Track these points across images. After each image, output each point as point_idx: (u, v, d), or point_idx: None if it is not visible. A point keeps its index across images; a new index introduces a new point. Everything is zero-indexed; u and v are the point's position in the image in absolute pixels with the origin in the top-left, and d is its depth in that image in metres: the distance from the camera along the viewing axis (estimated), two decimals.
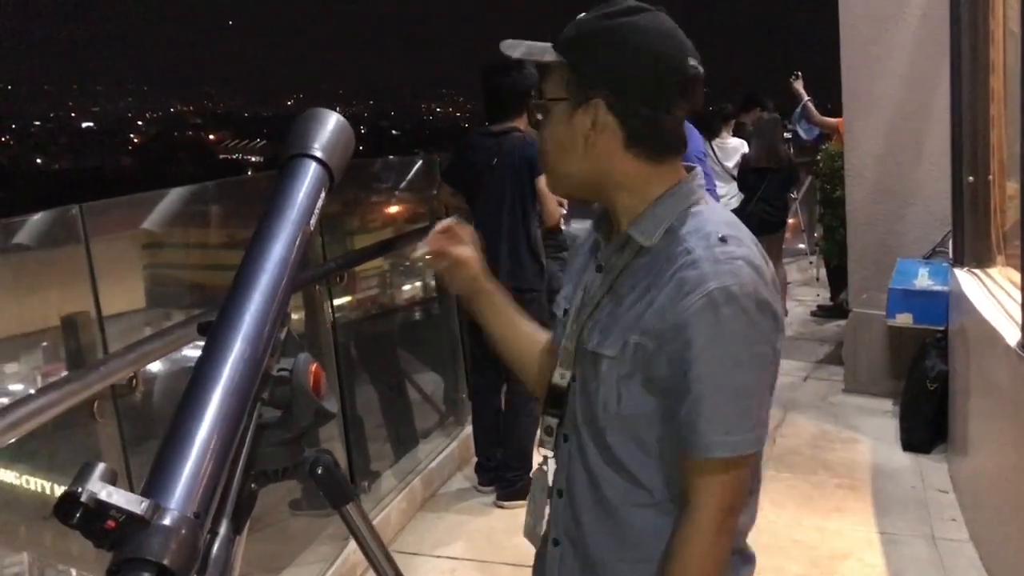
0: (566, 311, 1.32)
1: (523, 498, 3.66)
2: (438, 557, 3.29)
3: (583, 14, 1.23)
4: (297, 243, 1.15)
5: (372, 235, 4.59)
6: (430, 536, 3.44)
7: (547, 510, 1.36)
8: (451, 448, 4.07)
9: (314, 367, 1.19)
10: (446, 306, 4.41)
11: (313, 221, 1.20)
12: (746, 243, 1.18)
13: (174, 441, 0.91)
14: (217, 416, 0.94)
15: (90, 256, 2.15)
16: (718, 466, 1.15)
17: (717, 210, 1.25)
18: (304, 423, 1.18)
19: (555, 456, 1.32)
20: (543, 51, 1.22)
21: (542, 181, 3.49)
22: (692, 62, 1.20)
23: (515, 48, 1.23)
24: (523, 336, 1.48)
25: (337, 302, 3.57)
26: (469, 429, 3.97)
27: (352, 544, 3.03)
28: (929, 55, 4.57)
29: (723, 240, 1.16)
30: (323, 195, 1.23)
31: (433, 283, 4.60)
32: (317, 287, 3.13)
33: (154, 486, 0.86)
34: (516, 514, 3.63)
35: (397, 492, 3.58)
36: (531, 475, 1.40)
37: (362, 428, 3.72)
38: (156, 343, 2.17)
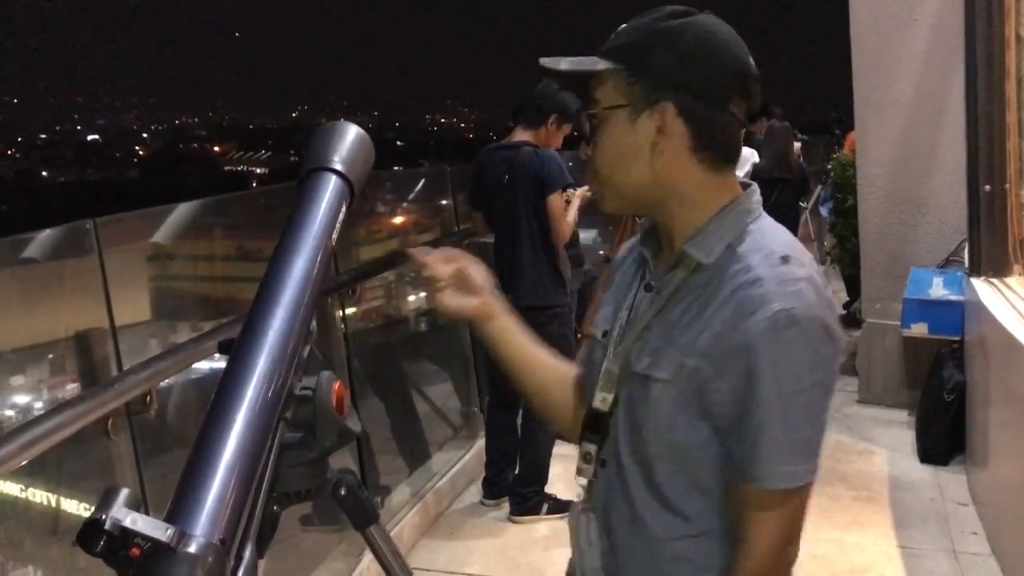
0: (606, 333, 1.26)
1: (537, 513, 3.65)
2: (452, 574, 3.25)
3: (631, 21, 1.18)
4: (319, 258, 1.12)
5: (379, 246, 4.56)
6: (444, 553, 3.40)
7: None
8: (464, 462, 4.03)
9: (337, 385, 1.15)
10: (459, 327, 4.39)
11: (334, 236, 1.17)
12: (807, 264, 1.13)
13: (198, 465, 0.88)
14: (242, 438, 0.91)
15: (104, 269, 2.12)
16: (777, 498, 1.10)
17: (776, 229, 1.19)
18: (327, 443, 1.15)
19: (591, 484, 1.26)
20: (592, 62, 1.17)
21: (554, 199, 3.47)
22: (751, 61, 1.17)
23: (558, 63, 1.18)
24: (540, 365, 1.38)
25: (348, 313, 3.55)
26: (482, 443, 3.93)
27: (365, 560, 3.04)
28: (941, 63, 4.54)
29: (785, 260, 1.11)
30: (344, 209, 1.20)
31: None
32: (329, 300, 3.11)
33: (179, 512, 0.83)
34: (530, 529, 3.60)
35: (410, 507, 3.54)
36: (569, 513, 1.32)
37: (373, 442, 3.69)
38: (171, 359, 2.14)
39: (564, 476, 3.85)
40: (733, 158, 1.19)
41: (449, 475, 3.89)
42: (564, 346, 3.57)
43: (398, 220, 4.90)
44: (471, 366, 4.36)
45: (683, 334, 1.13)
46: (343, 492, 1.20)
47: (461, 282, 1.31)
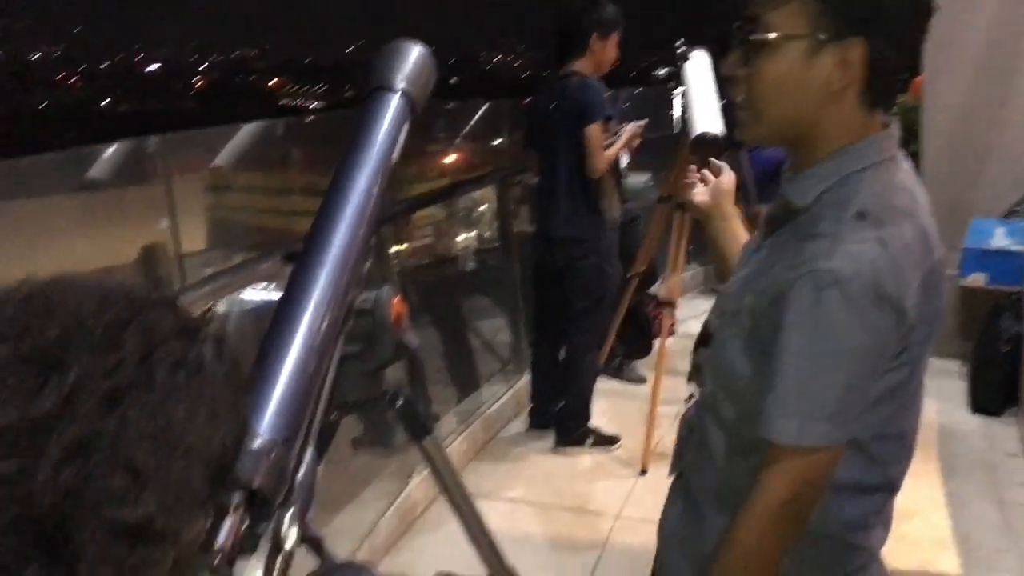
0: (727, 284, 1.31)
1: (581, 444, 3.70)
2: (497, 500, 3.32)
3: None
4: (381, 175, 1.14)
5: (430, 183, 4.57)
6: (489, 479, 3.48)
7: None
8: (511, 394, 4.09)
9: (396, 300, 1.18)
10: (507, 256, 4.41)
11: (396, 154, 1.19)
12: (897, 224, 1.06)
13: (264, 366, 0.91)
14: (305, 343, 0.95)
15: (170, 190, 2.17)
16: (782, 452, 1.07)
17: (883, 181, 1.11)
18: (385, 356, 1.18)
19: (696, 397, 1.32)
20: None
21: (591, 130, 3.43)
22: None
23: None
24: None
25: (400, 248, 3.59)
26: (528, 375, 3.98)
27: (414, 482, 3.12)
28: (1016, 15, 4.41)
29: (860, 216, 1.05)
30: (406, 127, 1.22)
31: (490, 234, 4.59)
32: (381, 231, 3.14)
33: None
34: (574, 460, 3.66)
35: (458, 434, 3.62)
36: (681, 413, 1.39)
37: (424, 371, 3.75)
38: (231, 277, 2.19)
39: (609, 412, 3.90)
40: (890, 102, 1.16)
41: (496, 405, 3.96)
42: (599, 281, 3.57)
43: (450, 156, 4.90)
44: (519, 301, 4.40)
45: (755, 272, 1.15)
46: (400, 404, 1.23)
47: (708, 183, 1.46)
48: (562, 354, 3.77)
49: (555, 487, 3.45)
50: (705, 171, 1.49)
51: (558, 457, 3.70)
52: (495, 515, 3.39)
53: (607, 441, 3.72)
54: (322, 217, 1.07)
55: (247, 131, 3.03)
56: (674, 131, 3.94)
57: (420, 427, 1.25)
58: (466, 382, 4.10)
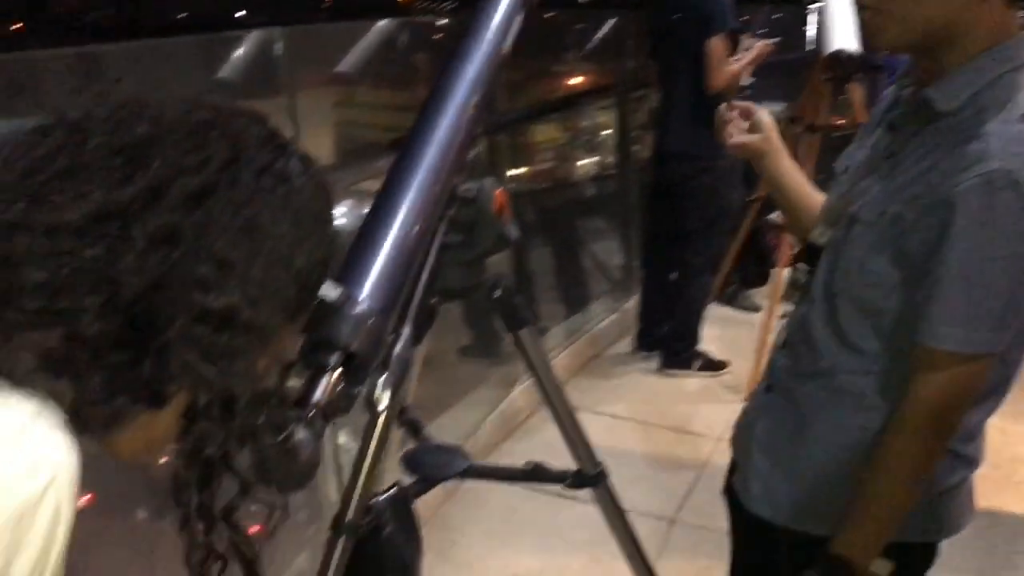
0: (847, 168, 1.27)
1: (688, 368, 3.68)
2: (598, 414, 3.36)
3: None
4: (492, 63, 1.15)
5: (546, 93, 4.48)
6: (591, 394, 3.51)
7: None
8: (619, 314, 4.09)
9: (499, 192, 1.19)
10: (625, 177, 4.36)
11: (508, 43, 1.19)
12: None
13: (366, 239, 0.94)
14: (407, 221, 0.97)
15: (292, 84, 2.22)
16: (942, 359, 1.07)
17: None
18: (486, 246, 1.19)
19: (793, 311, 1.31)
20: None
21: (713, 42, 3.29)
22: None
23: None
24: (809, 204, 1.40)
25: (519, 171, 3.59)
26: (638, 296, 3.96)
27: (517, 390, 3.18)
28: None
29: None
30: (519, 19, 1.21)
31: (611, 159, 4.53)
32: (496, 139, 3.15)
33: (346, 277, 0.90)
34: (679, 383, 3.65)
35: (562, 348, 3.66)
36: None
37: (533, 286, 3.78)
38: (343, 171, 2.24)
39: (720, 338, 3.85)
40: None
41: (604, 323, 3.98)
42: (713, 202, 3.47)
43: (574, 77, 4.80)
44: (632, 221, 4.35)
45: (899, 179, 1.12)
46: (499, 294, 1.25)
47: (748, 121, 1.39)
48: (673, 276, 3.73)
49: (658, 407, 3.45)
50: (743, 109, 1.41)
51: (663, 378, 3.69)
52: (594, 429, 3.36)
53: (715, 366, 3.69)
54: (430, 102, 1.09)
55: (374, 40, 3.05)
56: (809, 49, 3.77)
57: (517, 318, 1.27)
58: (575, 300, 4.11)
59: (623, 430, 3.29)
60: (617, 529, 1.41)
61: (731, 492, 1.39)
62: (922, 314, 1.08)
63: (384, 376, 0.92)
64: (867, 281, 1.14)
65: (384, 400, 0.91)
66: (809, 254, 1.25)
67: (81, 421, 0.55)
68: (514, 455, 3.01)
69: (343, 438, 2.29)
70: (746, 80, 3.58)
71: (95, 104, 0.63)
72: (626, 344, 3.97)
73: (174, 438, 0.65)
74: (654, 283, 3.83)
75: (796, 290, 1.30)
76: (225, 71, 2.33)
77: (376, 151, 2.53)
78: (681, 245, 3.62)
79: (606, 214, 4.64)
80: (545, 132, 4.15)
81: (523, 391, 3.20)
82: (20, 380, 0.53)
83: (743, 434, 1.37)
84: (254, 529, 0.71)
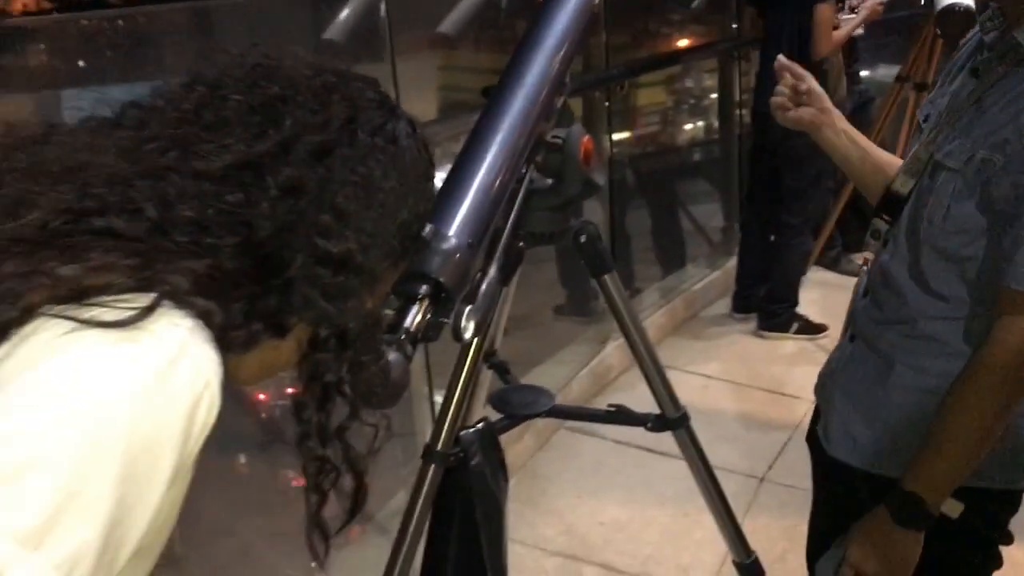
0: (928, 116, 1.27)
1: (785, 331, 3.64)
2: (691, 373, 3.37)
3: None
4: (581, 14, 1.18)
5: (646, 49, 4.44)
6: (685, 353, 3.52)
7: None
8: (716, 275, 4.07)
9: (586, 139, 1.23)
10: (727, 138, 4.30)
11: None
12: None
13: (456, 178, 1.00)
14: (493, 164, 1.02)
15: (393, 54, 2.28)
16: None
17: None
18: (572, 192, 1.24)
19: (873, 260, 1.32)
20: None
21: (821, 9, 3.21)
22: None
23: None
24: (871, 170, 1.39)
25: (623, 136, 3.58)
26: (736, 258, 3.93)
27: (610, 347, 3.22)
28: None
29: None
30: None
31: (713, 121, 4.48)
32: (597, 95, 3.15)
33: (436, 213, 0.96)
34: (776, 345, 3.62)
35: (657, 308, 3.67)
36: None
37: (629, 246, 3.80)
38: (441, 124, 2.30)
39: (820, 302, 3.79)
40: None
41: (701, 284, 3.96)
42: (812, 162, 3.40)
43: (669, 23, 4.72)
44: (734, 182, 4.30)
45: (986, 125, 1.11)
46: (583, 240, 1.30)
47: (800, 94, 1.39)
48: (771, 237, 3.69)
49: (752, 368, 3.44)
50: (790, 79, 1.39)
51: (759, 340, 3.67)
52: (687, 388, 3.45)
53: (813, 329, 3.64)
54: (519, 50, 1.13)
55: (474, 5, 3.08)
56: (922, 5, 3.64)
57: (601, 263, 1.31)
58: (671, 260, 4.10)
59: (717, 390, 3.30)
60: (698, 472, 1.45)
61: (813, 439, 1.41)
62: (1008, 258, 1.07)
63: (470, 307, 0.97)
64: (953, 228, 1.14)
65: (470, 329, 0.97)
66: (889, 204, 1.25)
67: (225, 341, 0.63)
68: None
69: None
70: (859, 32, 3.49)
71: (232, 63, 0.72)
72: (724, 305, 3.96)
73: (286, 367, 0.73)
74: (752, 245, 3.79)
75: (876, 239, 1.30)
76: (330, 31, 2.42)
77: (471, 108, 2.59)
78: (779, 206, 3.57)
79: (708, 176, 4.61)
80: (649, 95, 4.13)
81: (615, 348, 3.23)
82: (179, 300, 0.61)
83: (827, 382, 1.38)
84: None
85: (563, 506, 2.62)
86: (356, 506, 0.75)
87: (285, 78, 0.70)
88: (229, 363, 0.63)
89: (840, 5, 3.32)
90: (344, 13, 2.38)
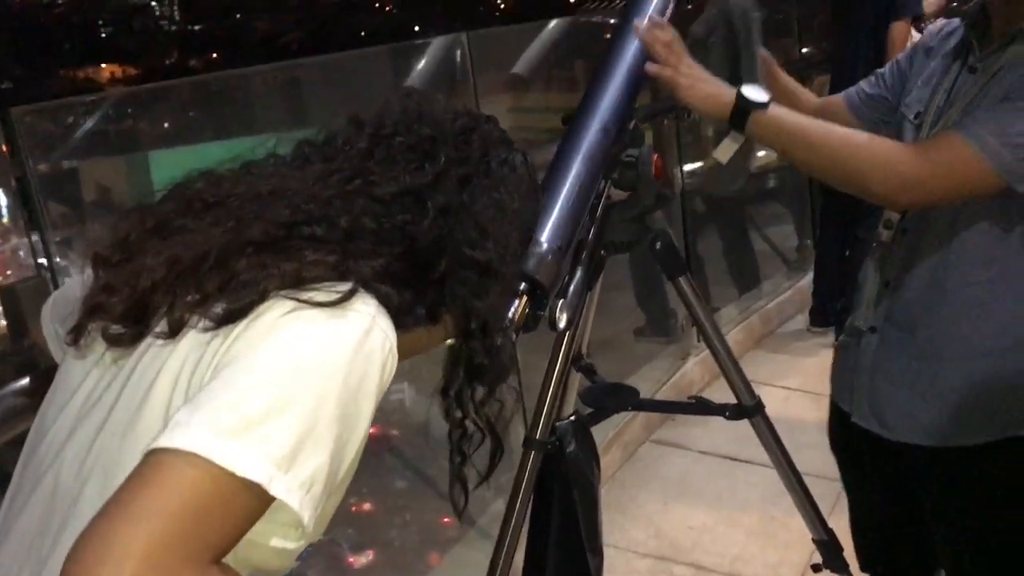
0: (919, 114, 1.36)
1: None
2: (772, 386, 3.44)
3: None
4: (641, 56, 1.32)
5: None
6: (765, 368, 3.60)
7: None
8: (792, 291, 4.14)
9: (656, 157, 1.39)
10: None
11: (670, 10, 1.35)
12: None
13: (546, 193, 1.16)
14: (576, 178, 1.19)
15: (474, 83, 2.46)
16: None
17: None
18: (646, 203, 1.39)
19: (888, 251, 1.41)
20: None
21: (897, 26, 3.24)
22: None
23: None
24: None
25: (695, 167, 3.68)
26: (812, 275, 4.00)
27: (690, 363, 3.34)
28: None
29: None
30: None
31: None
32: (666, 122, 3.29)
33: None
34: None
35: (735, 324, 3.76)
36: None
37: (704, 268, 3.91)
38: None
39: None
40: None
41: (777, 301, 4.04)
42: None
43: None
44: (807, 201, 4.38)
45: (996, 111, 1.20)
46: (659, 246, 1.44)
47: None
48: (847, 252, 3.74)
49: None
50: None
51: None
52: (769, 400, 3.40)
53: None
54: (593, 82, 1.29)
55: (546, 43, 3.25)
56: None
57: (676, 265, 1.45)
58: (746, 280, 4.19)
59: (798, 401, 3.36)
60: (775, 456, 1.57)
61: (840, 436, 1.51)
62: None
63: (562, 301, 1.13)
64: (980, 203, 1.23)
65: (563, 320, 1.13)
66: None
67: (396, 321, 0.81)
68: (687, 423, 3.17)
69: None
70: None
71: (385, 108, 0.91)
72: (801, 320, 4.03)
73: (426, 349, 0.91)
74: (827, 260, 3.85)
75: (888, 229, 1.39)
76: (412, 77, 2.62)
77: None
78: (853, 222, 3.64)
79: (779, 198, 4.68)
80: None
81: (695, 364, 3.34)
82: (368, 287, 0.79)
83: (854, 377, 1.46)
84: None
85: (652, 511, 2.73)
86: (493, 463, 0.91)
87: (433, 121, 0.90)
88: (399, 338, 0.81)
89: (917, 24, 3.35)
90: (423, 63, 2.56)
